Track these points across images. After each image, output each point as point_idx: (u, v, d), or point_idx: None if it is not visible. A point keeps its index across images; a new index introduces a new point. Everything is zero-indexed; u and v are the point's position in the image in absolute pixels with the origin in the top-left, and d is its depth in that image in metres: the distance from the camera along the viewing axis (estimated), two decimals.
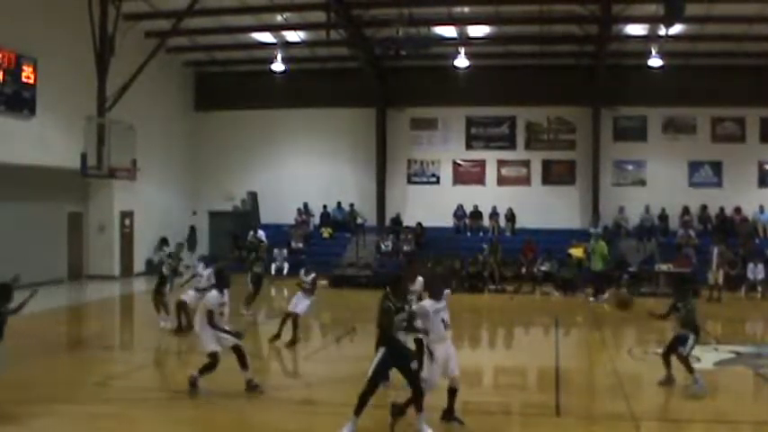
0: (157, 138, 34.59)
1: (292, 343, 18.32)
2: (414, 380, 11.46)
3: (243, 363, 13.72)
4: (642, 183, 36.25)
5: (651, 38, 32.68)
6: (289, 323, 18.47)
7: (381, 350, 11.58)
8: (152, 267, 34.74)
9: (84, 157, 25.43)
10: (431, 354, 11.83)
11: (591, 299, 27.94)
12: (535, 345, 20.66)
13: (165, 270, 21.61)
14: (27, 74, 26.91)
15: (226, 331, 13.72)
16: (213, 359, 13.56)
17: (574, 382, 15.28)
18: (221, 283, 14.19)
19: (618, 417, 12.26)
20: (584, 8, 30.21)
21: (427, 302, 12.31)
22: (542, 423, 12.39)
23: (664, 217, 34.93)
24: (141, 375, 15.45)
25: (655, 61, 33.49)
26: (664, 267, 29.93)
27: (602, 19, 30.31)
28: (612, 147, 36.14)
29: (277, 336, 18.51)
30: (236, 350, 13.70)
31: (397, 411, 11.67)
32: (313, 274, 18.99)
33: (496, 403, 13.64)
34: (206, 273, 19.43)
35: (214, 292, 13.99)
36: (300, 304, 18.61)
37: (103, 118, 26.90)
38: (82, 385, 14.03)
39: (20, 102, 26.72)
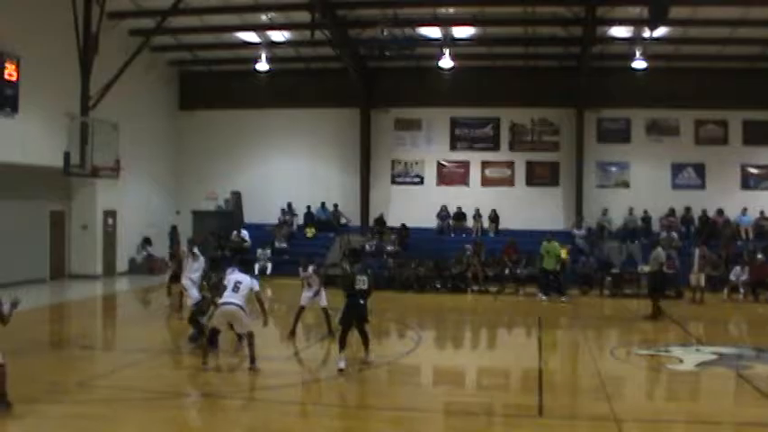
0: (141, 137, 34.48)
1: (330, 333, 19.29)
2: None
3: None
4: (625, 185, 36.34)
5: (635, 40, 32.74)
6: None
7: None
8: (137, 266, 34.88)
9: (67, 156, 25.33)
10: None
11: (543, 298, 28.16)
12: (518, 345, 20.65)
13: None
14: (10, 71, 26.58)
15: None
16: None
17: (557, 383, 15.30)
18: None
19: (600, 417, 12.27)
20: (569, 10, 30.32)
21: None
22: (525, 424, 12.39)
23: (647, 219, 35.02)
24: (124, 375, 15.37)
25: (639, 63, 33.58)
26: (646, 269, 29.98)
27: (587, 21, 30.38)
28: (596, 148, 36.24)
29: (293, 332, 19.44)
30: None
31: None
32: (311, 267, 19.61)
33: (479, 404, 13.63)
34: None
35: None
36: (303, 297, 19.60)
37: (87, 116, 26.86)
38: (64, 385, 13.95)
39: (2, 99, 26.36)
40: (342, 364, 15.24)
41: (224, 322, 15.86)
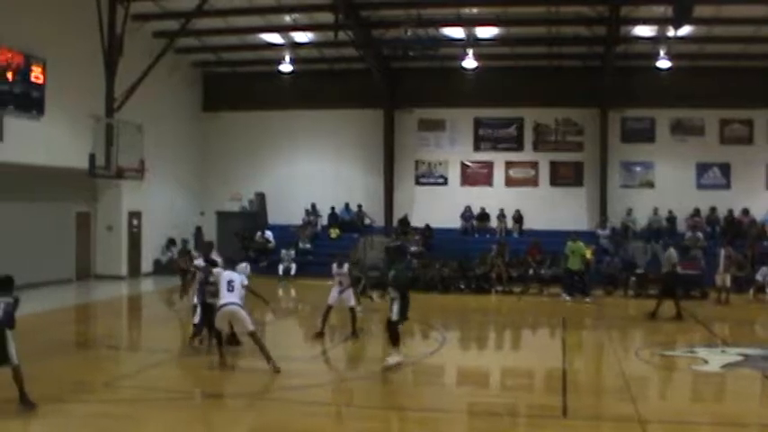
0: (166, 138, 34.65)
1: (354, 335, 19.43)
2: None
3: None
4: (650, 184, 36.15)
5: (659, 39, 32.62)
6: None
7: None
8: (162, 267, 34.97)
9: (92, 158, 25.54)
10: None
11: (567, 298, 28.06)
12: (542, 346, 20.64)
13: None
14: (36, 74, 26.92)
15: None
16: None
17: (581, 384, 15.26)
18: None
19: (625, 419, 12.24)
20: (593, 10, 30.20)
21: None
22: (549, 424, 12.37)
23: (671, 219, 34.84)
24: (148, 375, 15.48)
25: (663, 63, 33.47)
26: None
27: (611, 20, 30.27)
28: (620, 148, 36.08)
29: (321, 333, 19.45)
30: None
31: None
32: (346, 265, 19.67)
33: (503, 404, 13.62)
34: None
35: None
36: (331, 296, 19.60)
37: (112, 118, 27.06)
38: (90, 385, 14.05)
39: (29, 102, 26.74)
40: (399, 358, 15.65)
41: (226, 323, 15.85)
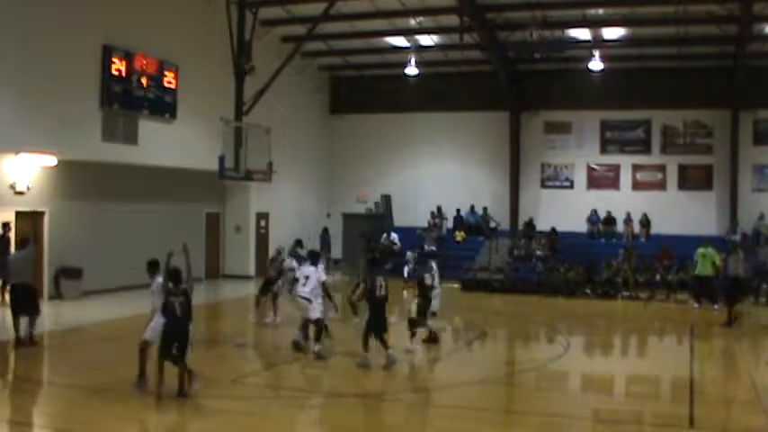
0: (293, 141, 35.19)
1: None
2: None
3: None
4: None
5: None
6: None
7: None
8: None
9: (221, 160, 26.11)
10: None
11: (695, 305, 27.39)
12: (669, 353, 20.28)
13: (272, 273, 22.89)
14: (169, 79, 27.87)
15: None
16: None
17: (709, 394, 14.92)
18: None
19: (756, 431, 11.98)
20: (723, 8, 29.43)
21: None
22: None
23: None
24: (274, 373, 15.83)
25: None
26: None
27: (742, 19, 29.50)
28: (752, 151, 35.06)
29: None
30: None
31: None
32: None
33: (628, 412, 13.48)
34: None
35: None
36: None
37: (241, 121, 27.59)
38: (218, 381, 14.42)
39: (162, 106, 27.71)
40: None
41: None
